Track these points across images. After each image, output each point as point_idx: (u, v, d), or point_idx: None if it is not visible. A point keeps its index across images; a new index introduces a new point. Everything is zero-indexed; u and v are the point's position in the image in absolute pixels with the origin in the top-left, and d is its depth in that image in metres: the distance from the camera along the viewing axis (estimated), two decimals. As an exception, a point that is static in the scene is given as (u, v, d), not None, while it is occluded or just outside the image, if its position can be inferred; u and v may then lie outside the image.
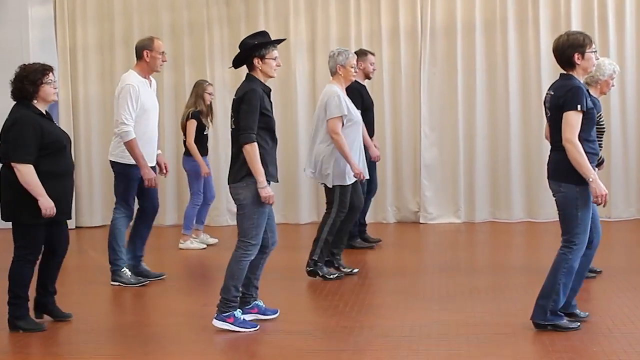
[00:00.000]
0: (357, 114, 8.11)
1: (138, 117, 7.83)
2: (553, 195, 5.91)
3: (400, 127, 11.93)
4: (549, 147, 5.95)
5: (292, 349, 5.79)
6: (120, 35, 12.29)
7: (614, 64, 7.41)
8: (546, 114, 5.96)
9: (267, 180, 6.11)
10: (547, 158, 5.98)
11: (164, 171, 8.35)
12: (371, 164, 9.19)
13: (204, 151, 9.93)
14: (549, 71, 11.35)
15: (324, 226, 7.99)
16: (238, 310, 6.24)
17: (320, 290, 7.62)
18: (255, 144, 6.04)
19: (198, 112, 9.82)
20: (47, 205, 6.18)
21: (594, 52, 5.88)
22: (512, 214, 11.67)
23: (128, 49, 11.97)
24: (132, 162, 7.84)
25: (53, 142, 6.27)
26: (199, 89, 9.95)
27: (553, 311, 5.90)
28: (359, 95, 8.86)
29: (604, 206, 5.81)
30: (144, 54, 7.94)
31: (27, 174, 6.15)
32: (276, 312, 6.60)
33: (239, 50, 6.28)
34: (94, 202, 12.41)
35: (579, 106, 5.64)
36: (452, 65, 11.73)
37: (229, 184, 6.25)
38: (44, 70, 6.34)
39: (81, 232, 11.86)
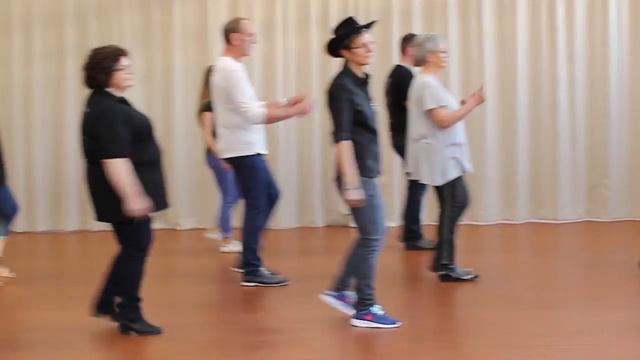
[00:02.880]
0: (453, 103, 7.53)
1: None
2: None
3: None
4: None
5: None
6: (19, 19, 11.07)
7: None
8: None
9: (369, 176, 6.00)
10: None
11: None
12: None
13: None
14: (494, 61, 10.86)
15: (442, 227, 7.53)
16: (376, 306, 6.12)
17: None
18: (346, 142, 5.92)
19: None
20: (139, 206, 5.75)
21: None
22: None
23: (25, 34, 10.99)
24: (253, 152, 7.49)
25: (142, 129, 5.92)
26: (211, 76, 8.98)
27: None
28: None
29: None
30: (231, 37, 7.54)
31: (125, 170, 5.74)
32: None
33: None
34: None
35: None
36: (387, 56, 10.73)
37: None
38: (116, 56, 5.93)
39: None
